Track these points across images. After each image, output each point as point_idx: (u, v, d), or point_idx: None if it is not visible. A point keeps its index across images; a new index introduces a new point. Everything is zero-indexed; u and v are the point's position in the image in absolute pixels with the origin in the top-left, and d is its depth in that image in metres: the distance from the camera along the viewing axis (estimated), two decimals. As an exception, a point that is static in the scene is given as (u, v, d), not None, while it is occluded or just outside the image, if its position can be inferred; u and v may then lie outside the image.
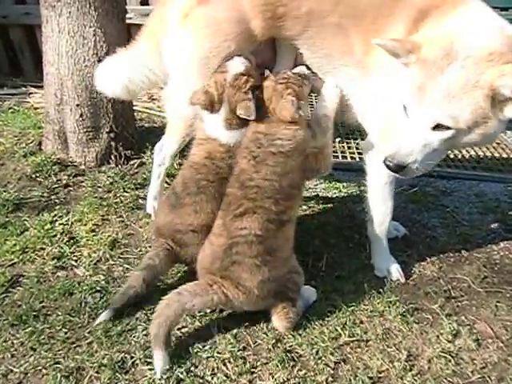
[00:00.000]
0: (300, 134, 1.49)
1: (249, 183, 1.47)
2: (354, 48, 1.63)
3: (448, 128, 1.36)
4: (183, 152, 1.95)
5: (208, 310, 1.55)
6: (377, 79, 1.61)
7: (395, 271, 1.78)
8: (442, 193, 2.40)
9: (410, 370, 1.40)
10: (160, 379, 1.34)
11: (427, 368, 1.41)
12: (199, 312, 1.54)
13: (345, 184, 2.42)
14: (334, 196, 2.32)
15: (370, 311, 1.60)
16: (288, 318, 1.48)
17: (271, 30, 1.67)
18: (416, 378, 1.38)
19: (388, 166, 1.45)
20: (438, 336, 1.52)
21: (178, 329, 1.50)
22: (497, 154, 2.93)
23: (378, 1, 1.60)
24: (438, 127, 1.37)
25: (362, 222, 2.08)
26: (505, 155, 2.93)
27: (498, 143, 3.05)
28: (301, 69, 1.63)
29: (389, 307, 1.61)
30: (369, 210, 1.80)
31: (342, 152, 2.84)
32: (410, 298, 1.68)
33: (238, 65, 1.56)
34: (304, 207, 2.16)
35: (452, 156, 2.82)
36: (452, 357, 1.45)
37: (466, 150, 2.92)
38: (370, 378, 1.37)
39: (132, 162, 2.45)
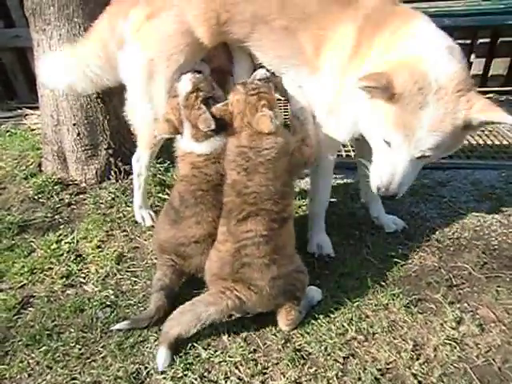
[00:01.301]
0: (280, 140, 1.54)
1: (245, 191, 1.51)
2: (305, 50, 1.69)
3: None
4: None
5: (217, 316, 1.59)
6: (325, 78, 1.68)
7: (326, 246, 1.88)
8: (438, 184, 2.43)
9: (417, 359, 1.44)
10: (175, 387, 1.38)
11: (433, 356, 1.45)
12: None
13: (342, 182, 2.47)
14: (333, 195, 2.35)
15: (375, 305, 1.64)
16: (290, 317, 1.53)
17: (219, 36, 1.74)
18: (423, 366, 1.41)
19: (382, 197, 1.60)
20: (442, 324, 1.56)
21: (190, 337, 1.53)
22: (489, 142, 2.97)
23: (325, 6, 1.64)
24: (423, 156, 1.47)
25: (362, 219, 2.13)
26: (497, 142, 2.97)
27: (490, 131, 3.10)
28: (261, 72, 1.66)
29: (393, 300, 1.65)
30: (312, 190, 1.92)
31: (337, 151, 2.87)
32: (412, 289, 1.71)
33: (185, 84, 1.64)
34: (304, 207, 2.20)
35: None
36: (457, 343, 1.48)
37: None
38: (379, 370, 1.40)
39: (132, 177, 2.47)
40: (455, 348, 1.47)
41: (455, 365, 1.42)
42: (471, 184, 2.42)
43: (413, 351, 1.46)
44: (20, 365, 1.47)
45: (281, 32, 1.69)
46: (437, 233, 2.03)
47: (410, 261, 1.86)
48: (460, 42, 3.70)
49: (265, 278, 1.45)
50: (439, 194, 2.34)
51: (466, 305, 1.64)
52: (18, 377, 1.44)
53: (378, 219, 2.07)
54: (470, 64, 3.81)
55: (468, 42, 3.70)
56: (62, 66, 1.97)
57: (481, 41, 3.70)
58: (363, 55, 1.56)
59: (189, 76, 1.66)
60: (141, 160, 2.07)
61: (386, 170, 1.52)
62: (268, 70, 1.71)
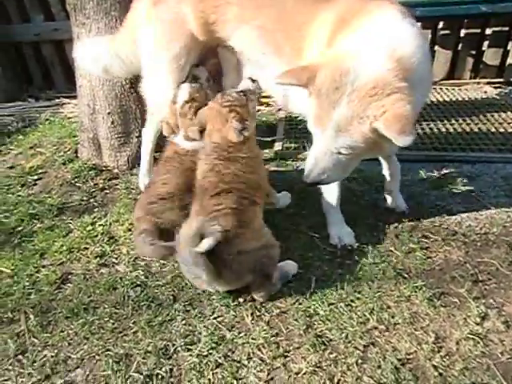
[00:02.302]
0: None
1: (225, 171, 1.65)
2: (284, 50, 1.74)
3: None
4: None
5: (241, 300, 1.66)
6: None
7: (347, 236, 1.90)
8: (466, 177, 2.38)
9: (438, 351, 1.44)
10: (200, 363, 1.45)
11: (455, 349, 1.45)
12: (233, 302, 1.65)
13: (366, 174, 2.46)
14: (357, 186, 2.35)
15: (397, 296, 1.64)
16: (262, 290, 1.62)
17: (209, 33, 1.88)
18: (445, 359, 1.42)
19: (306, 184, 1.62)
20: (465, 319, 1.55)
21: (214, 318, 1.61)
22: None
23: (301, 6, 1.65)
24: (340, 152, 1.47)
25: (385, 211, 2.12)
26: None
27: (525, 124, 2.98)
28: (246, 83, 1.78)
29: (415, 292, 1.65)
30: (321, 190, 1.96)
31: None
32: (436, 282, 1.71)
33: (183, 93, 1.93)
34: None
35: (477, 140, 2.79)
36: (481, 338, 1.47)
37: (491, 133, 2.88)
38: (399, 360, 1.42)
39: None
40: (478, 343, 1.46)
41: (478, 360, 1.41)
42: (502, 178, 2.35)
43: (434, 343, 1.47)
44: (61, 334, 1.59)
45: (260, 32, 1.76)
46: (463, 227, 2.00)
47: (434, 254, 1.85)
48: (497, 29, 3.60)
49: (232, 252, 1.51)
50: (467, 187, 2.29)
51: (491, 301, 1.62)
52: (60, 345, 1.56)
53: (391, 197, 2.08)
54: (506, 52, 3.65)
55: (506, 29, 3.55)
56: (100, 51, 2.16)
57: (520, 28, 3.55)
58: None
59: (187, 85, 1.93)
60: (147, 132, 2.29)
61: (309, 159, 1.57)
62: (253, 80, 1.81)
